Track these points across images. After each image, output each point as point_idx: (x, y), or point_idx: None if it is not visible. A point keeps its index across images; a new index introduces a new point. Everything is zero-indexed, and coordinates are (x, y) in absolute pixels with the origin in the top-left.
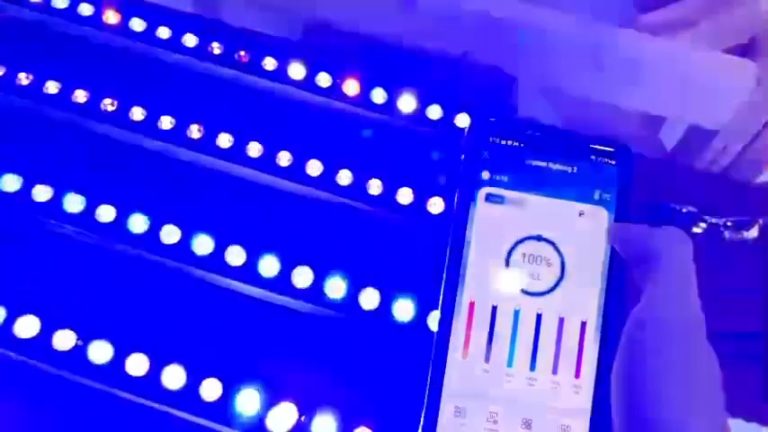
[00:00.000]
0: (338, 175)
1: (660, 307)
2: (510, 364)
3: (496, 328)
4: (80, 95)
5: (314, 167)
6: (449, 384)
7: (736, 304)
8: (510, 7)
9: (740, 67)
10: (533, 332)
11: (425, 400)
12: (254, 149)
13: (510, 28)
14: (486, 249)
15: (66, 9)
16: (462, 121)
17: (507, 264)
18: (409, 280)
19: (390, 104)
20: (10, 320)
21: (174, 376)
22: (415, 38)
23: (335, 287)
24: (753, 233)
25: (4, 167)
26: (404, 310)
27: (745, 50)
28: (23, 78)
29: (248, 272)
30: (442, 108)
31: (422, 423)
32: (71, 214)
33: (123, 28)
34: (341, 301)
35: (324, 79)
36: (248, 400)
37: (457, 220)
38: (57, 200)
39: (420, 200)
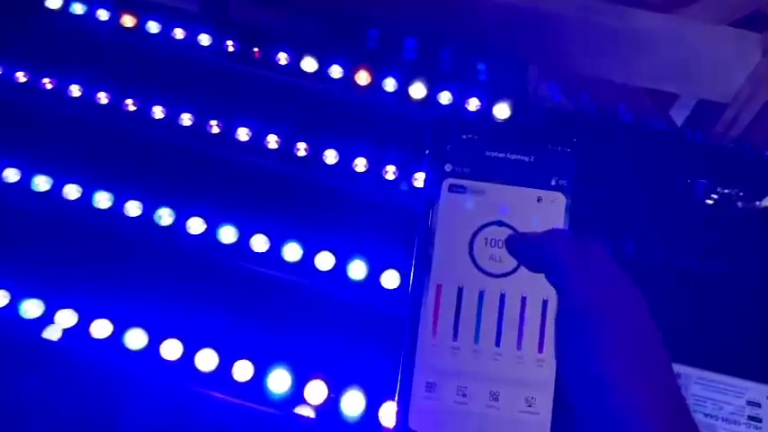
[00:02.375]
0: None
1: (573, 298)
2: (477, 340)
3: (463, 309)
4: (102, 97)
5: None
6: (420, 362)
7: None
8: None
9: (745, 38)
10: (497, 311)
11: (399, 378)
12: (272, 141)
13: (522, 13)
14: (450, 236)
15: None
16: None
17: (471, 248)
18: None
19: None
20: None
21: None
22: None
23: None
24: (766, 202)
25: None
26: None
27: (749, 22)
28: (47, 83)
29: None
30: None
31: (396, 399)
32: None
33: (140, 30)
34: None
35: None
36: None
37: (423, 211)
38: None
39: None
